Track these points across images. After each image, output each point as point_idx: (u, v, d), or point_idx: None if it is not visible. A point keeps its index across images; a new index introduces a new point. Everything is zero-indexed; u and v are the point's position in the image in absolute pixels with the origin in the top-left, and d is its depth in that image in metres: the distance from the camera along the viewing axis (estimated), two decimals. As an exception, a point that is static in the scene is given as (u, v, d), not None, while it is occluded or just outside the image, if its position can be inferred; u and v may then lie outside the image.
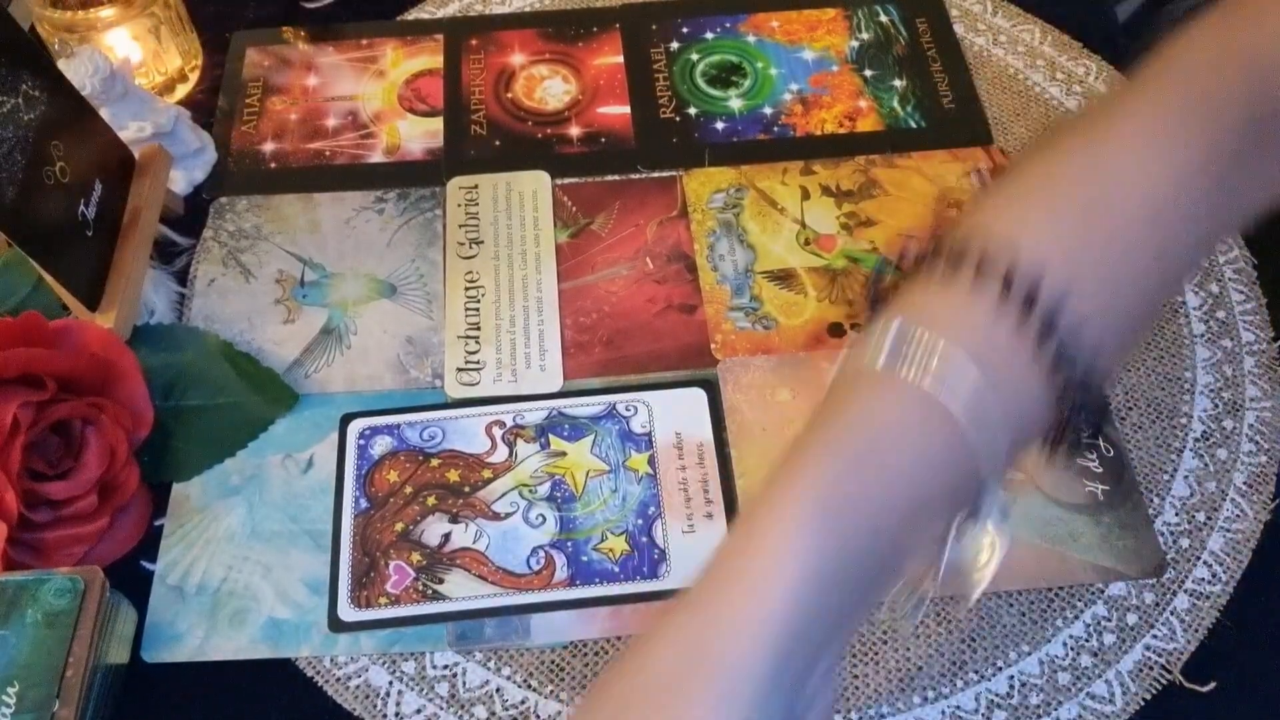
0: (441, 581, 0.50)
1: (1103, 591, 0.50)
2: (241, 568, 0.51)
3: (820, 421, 0.35)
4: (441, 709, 0.47)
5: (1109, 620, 0.49)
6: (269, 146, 0.66)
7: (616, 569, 0.50)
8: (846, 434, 0.34)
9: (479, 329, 0.58)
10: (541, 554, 0.51)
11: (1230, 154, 0.36)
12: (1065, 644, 0.48)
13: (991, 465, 0.34)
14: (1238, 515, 0.52)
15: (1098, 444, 0.36)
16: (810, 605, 0.31)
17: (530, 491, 0.52)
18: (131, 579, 0.50)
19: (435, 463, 0.53)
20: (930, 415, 0.33)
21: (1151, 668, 0.48)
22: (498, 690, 0.48)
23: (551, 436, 0.54)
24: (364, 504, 0.52)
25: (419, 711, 0.47)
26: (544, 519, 0.52)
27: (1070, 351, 0.33)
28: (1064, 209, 0.35)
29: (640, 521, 0.51)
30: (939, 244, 0.35)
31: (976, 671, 0.48)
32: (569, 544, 0.51)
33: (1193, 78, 0.37)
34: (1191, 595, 0.50)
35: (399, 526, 0.51)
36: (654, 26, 0.72)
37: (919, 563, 0.36)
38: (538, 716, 0.47)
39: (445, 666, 0.48)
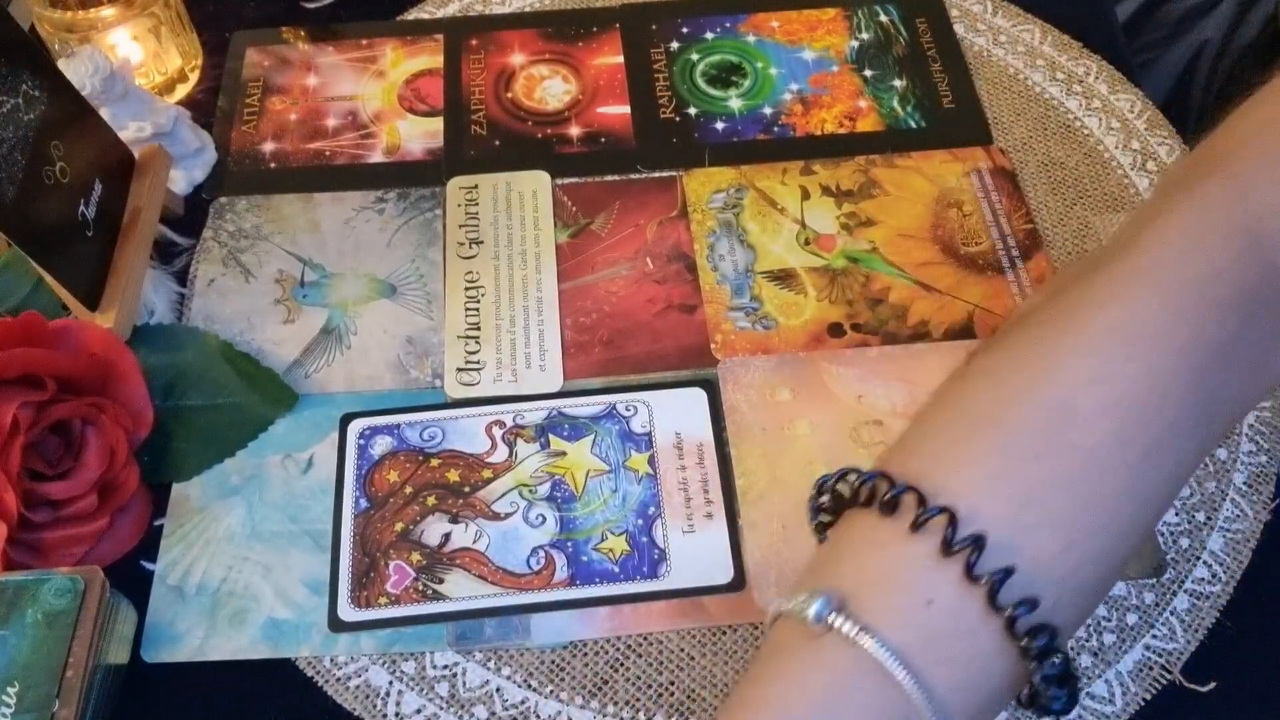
0: (441, 581, 0.50)
1: (1103, 591, 0.50)
2: (241, 568, 0.51)
3: (742, 694, 0.30)
4: (441, 709, 0.47)
5: (1108, 620, 0.49)
6: (269, 146, 0.66)
7: (616, 569, 0.50)
8: (765, 715, 0.30)
9: (479, 329, 0.58)
10: (541, 554, 0.51)
11: (1223, 340, 0.31)
12: (1065, 644, 0.48)
13: None
14: (1237, 515, 0.52)
15: (1078, 698, 0.32)
16: None
17: (530, 491, 0.52)
18: (131, 579, 0.50)
19: (435, 463, 0.53)
20: (869, 683, 0.29)
21: (1151, 668, 0.48)
22: (498, 690, 0.48)
23: (551, 436, 0.54)
24: (364, 504, 0.52)
25: (419, 711, 0.47)
26: (544, 519, 0.52)
27: (1026, 614, 0.29)
28: (1013, 440, 0.30)
29: (640, 521, 0.51)
30: (874, 486, 0.31)
31: (976, 671, 0.48)
32: (569, 544, 0.51)
33: (1170, 252, 0.32)
34: (1191, 595, 0.50)
35: (399, 526, 0.51)
36: (654, 26, 0.72)
37: None
38: (538, 716, 0.47)
39: (445, 666, 0.48)
